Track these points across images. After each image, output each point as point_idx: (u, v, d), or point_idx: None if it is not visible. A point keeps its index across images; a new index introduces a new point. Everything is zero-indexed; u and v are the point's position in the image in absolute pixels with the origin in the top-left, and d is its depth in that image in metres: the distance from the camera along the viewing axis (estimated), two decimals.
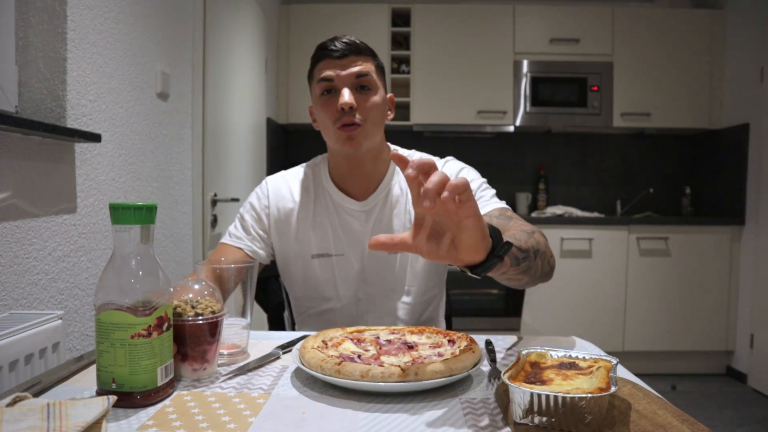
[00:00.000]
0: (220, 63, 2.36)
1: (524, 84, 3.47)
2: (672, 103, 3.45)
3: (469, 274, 0.71)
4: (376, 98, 1.08)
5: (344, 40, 1.07)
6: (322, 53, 1.08)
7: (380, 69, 1.12)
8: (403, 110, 3.48)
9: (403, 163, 0.62)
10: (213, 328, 0.73)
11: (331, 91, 1.07)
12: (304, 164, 1.25)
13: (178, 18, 1.99)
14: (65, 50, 1.33)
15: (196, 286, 0.76)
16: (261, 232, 1.18)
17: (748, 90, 3.19)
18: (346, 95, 1.04)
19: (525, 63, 3.47)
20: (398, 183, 1.18)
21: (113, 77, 1.56)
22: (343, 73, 1.06)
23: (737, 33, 3.32)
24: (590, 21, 3.44)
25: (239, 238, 1.17)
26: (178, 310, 0.72)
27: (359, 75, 1.06)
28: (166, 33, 1.89)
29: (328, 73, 1.06)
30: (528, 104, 3.47)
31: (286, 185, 1.21)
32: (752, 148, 3.16)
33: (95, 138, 1.39)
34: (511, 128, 3.54)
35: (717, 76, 3.44)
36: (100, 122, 1.50)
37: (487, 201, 1.12)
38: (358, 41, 1.08)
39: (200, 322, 0.72)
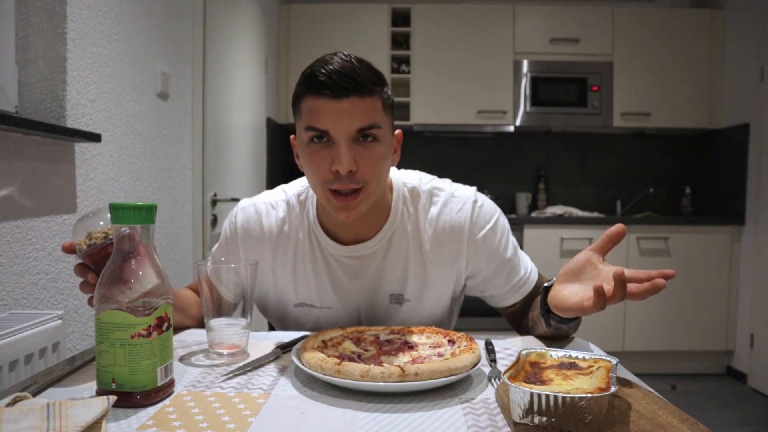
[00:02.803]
0: (220, 63, 2.36)
1: (524, 84, 3.47)
2: (672, 103, 3.45)
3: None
4: (382, 150, 0.85)
5: (342, 71, 0.80)
6: (313, 87, 0.81)
7: (388, 102, 0.87)
8: (403, 110, 3.48)
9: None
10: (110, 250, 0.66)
11: (324, 138, 0.83)
12: (285, 189, 1.04)
13: (178, 18, 1.99)
14: (65, 50, 1.33)
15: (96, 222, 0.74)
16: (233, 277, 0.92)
17: (748, 90, 3.19)
18: (344, 158, 0.80)
19: (525, 63, 3.47)
20: (405, 225, 0.98)
21: (113, 77, 1.56)
22: (342, 124, 0.81)
23: (737, 33, 3.32)
24: (590, 21, 3.44)
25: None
26: (78, 247, 0.72)
27: (362, 128, 0.82)
28: (166, 33, 1.89)
29: (321, 122, 0.81)
30: (528, 104, 3.47)
31: (258, 221, 1.00)
32: (752, 148, 3.16)
33: (95, 138, 1.39)
34: (511, 128, 3.54)
35: (717, 76, 3.44)
36: (100, 122, 1.50)
37: (528, 276, 1.02)
38: (359, 70, 0.81)
39: (95, 249, 0.71)
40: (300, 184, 1.05)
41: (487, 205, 1.01)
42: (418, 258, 0.97)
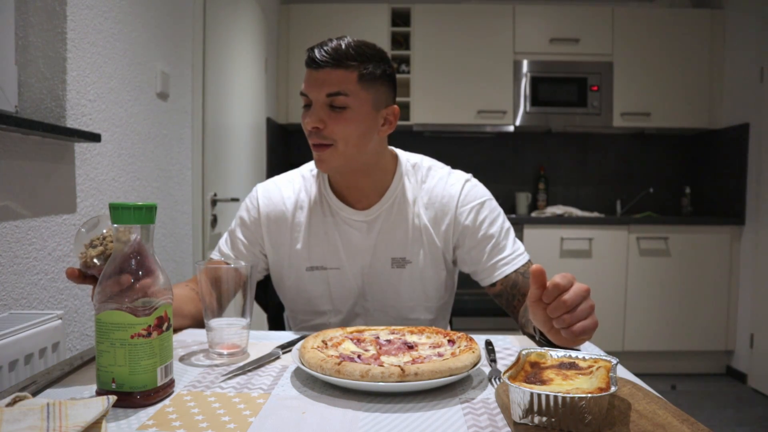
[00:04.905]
0: (220, 63, 2.36)
1: (524, 84, 3.47)
2: (672, 103, 3.45)
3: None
4: (352, 115, 0.98)
5: (328, 47, 0.97)
6: (307, 61, 1.00)
7: (370, 78, 0.99)
8: (403, 110, 3.48)
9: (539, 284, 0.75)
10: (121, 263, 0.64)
11: (308, 105, 1.01)
12: (300, 168, 1.19)
13: (178, 18, 1.99)
14: (65, 50, 1.33)
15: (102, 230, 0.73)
16: (252, 249, 1.13)
17: (748, 90, 3.19)
18: (310, 116, 0.98)
19: (525, 63, 3.47)
20: (405, 192, 1.11)
21: (113, 77, 1.56)
22: (316, 90, 0.98)
23: (737, 33, 3.32)
24: (590, 21, 3.44)
25: (227, 256, 1.13)
26: (89, 262, 0.70)
27: (330, 94, 0.97)
28: (166, 33, 1.89)
29: (305, 88, 1.00)
30: (528, 104, 3.47)
31: (278, 193, 1.14)
32: (752, 148, 3.16)
33: (95, 138, 1.39)
34: (511, 128, 3.54)
35: (717, 76, 3.44)
36: (100, 122, 1.50)
37: (509, 256, 1.08)
38: (343, 45, 0.97)
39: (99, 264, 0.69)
40: (308, 165, 1.18)
41: (479, 186, 1.14)
42: (416, 223, 1.10)
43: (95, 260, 0.71)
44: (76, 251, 0.73)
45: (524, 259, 1.10)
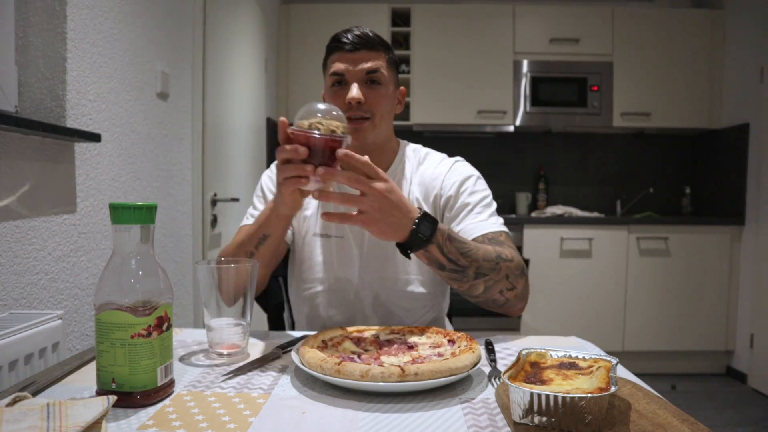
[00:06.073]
0: (220, 63, 2.36)
1: (524, 84, 3.47)
2: (672, 103, 3.45)
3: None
4: (385, 92, 1.10)
5: (357, 33, 1.09)
6: (336, 45, 1.10)
7: (392, 62, 1.14)
8: (403, 110, 3.47)
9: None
10: (332, 146, 0.81)
11: (342, 83, 1.09)
12: None
13: (178, 18, 1.99)
14: (65, 50, 1.33)
15: (321, 107, 0.85)
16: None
17: (748, 90, 3.19)
18: (354, 91, 1.06)
19: (525, 63, 3.47)
20: (404, 171, 1.19)
21: (113, 77, 1.56)
22: (354, 68, 1.08)
23: (737, 33, 3.32)
24: (590, 21, 3.44)
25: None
26: (303, 126, 0.81)
27: (369, 71, 1.08)
28: (166, 33, 1.89)
29: (339, 66, 1.08)
30: (528, 104, 3.47)
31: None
32: (752, 148, 3.16)
33: (95, 138, 1.39)
34: (511, 128, 3.54)
35: (717, 76, 3.44)
36: (100, 122, 1.50)
37: (482, 222, 1.09)
38: (371, 33, 1.10)
39: (317, 136, 0.80)
40: None
41: (468, 166, 1.22)
42: (413, 197, 1.18)
43: (317, 129, 0.82)
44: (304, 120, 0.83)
45: (498, 227, 1.09)
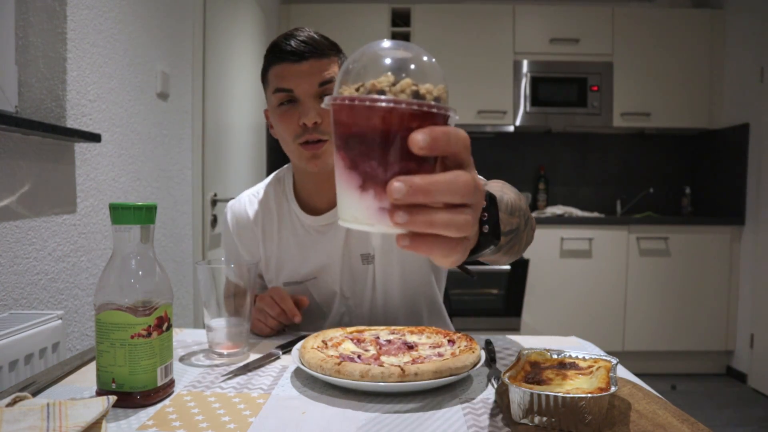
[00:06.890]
0: (220, 63, 2.36)
1: (524, 84, 3.47)
2: (672, 103, 3.45)
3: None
4: None
5: (301, 38, 0.91)
6: (277, 56, 0.93)
7: None
8: None
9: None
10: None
11: (293, 101, 0.93)
12: (268, 178, 1.14)
13: (178, 18, 1.99)
14: (65, 50, 1.33)
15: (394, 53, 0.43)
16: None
17: (748, 90, 3.19)
18: (310, 112, 0.90)
19: (525, 63, 3.47)
20: None
21: (113, 77, 1.56)
22: (304, 84, 0.91)
23: (737, 33, 3.32)
24: (590, 21, 3.44)
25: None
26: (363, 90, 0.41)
27: (323, 83, 0.92)
28: (166, 33, 1.89)
29: (287, 83, 0.92)
30: (528, 104, 3.47)
31: (244, 211, 1.10)
32: (752, 148, 3.16)
33: (95, 138, 1.39)
34: (511, 128, 3.54)
35: (717, 76, 3.44)
36: (100, 122, 1.50)
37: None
38: (317, 36, 0.93)
39: (403, 107, 0.38)
40: (275, 174, 1.14)
41: None
42: None
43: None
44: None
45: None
